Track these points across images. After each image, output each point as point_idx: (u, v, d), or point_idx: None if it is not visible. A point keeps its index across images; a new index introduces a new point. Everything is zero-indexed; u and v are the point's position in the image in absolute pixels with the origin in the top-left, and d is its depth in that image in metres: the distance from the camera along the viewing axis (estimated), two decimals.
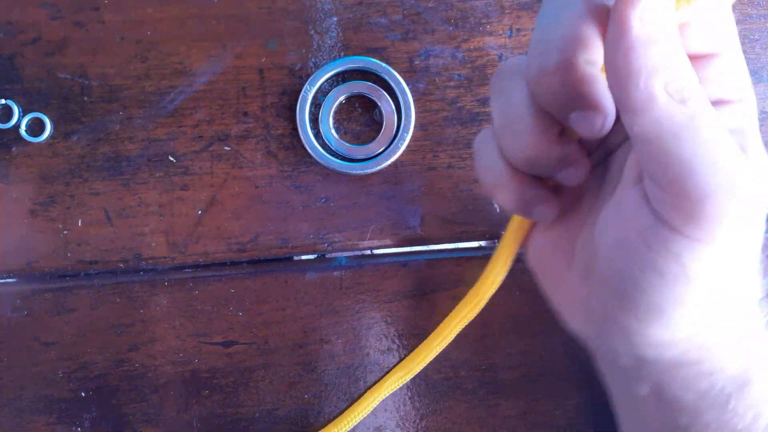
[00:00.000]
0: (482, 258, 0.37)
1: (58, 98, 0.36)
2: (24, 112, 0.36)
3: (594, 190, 0.27)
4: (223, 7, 0.36)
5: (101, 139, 0.36)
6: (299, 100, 0.36)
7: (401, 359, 0.36)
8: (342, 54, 0.36)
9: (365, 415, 0.36)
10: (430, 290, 0.36)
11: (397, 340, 0.36)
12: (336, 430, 0.35)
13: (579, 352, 0.37)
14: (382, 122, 0.36)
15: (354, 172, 0.36)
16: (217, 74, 0.36)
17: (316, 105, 0.36)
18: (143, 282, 0.36)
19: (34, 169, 0.36)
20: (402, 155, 0.36)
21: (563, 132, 0.24)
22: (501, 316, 0.36)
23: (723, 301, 0.23)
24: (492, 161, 0.26)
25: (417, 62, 0.36)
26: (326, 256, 0.37)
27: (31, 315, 0.36)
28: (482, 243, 0.37)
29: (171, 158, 0.36)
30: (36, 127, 0.36)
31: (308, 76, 0.36)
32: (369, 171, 0.36)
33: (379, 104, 0.36)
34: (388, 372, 0.36)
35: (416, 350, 0.35)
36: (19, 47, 0.36)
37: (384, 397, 0.36)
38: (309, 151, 0.36)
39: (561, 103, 0.23)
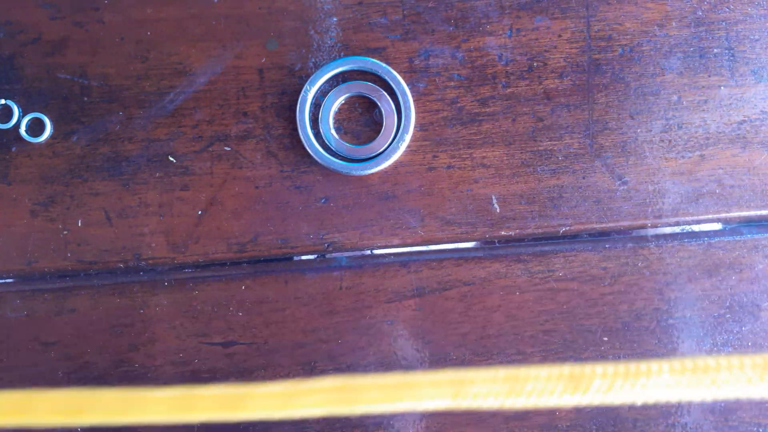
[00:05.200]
0: (482, 258, 0.37)
1: (58, 98, 0.36)
2: (24, 112, 0.36)
3: None
4: (223, 7, 0.36)
5: (101, 139, 0.36)
6: (299, 100, 0.36)
7: (401, 360, 0.36)
8: (342, 54, 0.36)
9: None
10: (430, 290, 0.36)
11: (397, 341, 0.36)
12: None
13: (579, 352, 0.37)
14: (382, 122, 0.36)
15: (354, 172, 0.36)
16: (217, 74, 0.36)
17: (316, 105, 0.36)
18: (143, 282, 0.36)
19: (34, 169, 0.36)
20: (402, 155, 0.36)
21: None
22: (501, 316, 0.36)
23: None
24: None
25: (417, 62, 0.36)
26: (326, 256, 0.37)
27: (31, 315, 0.36)
28: (482, 243, 0.37)
29: (171, 158, 0.36)
30: (36, 127, 0.36)
31: (308, 76, 0.36)
32: (369, 171, 0.36)
33: (379, 104, 0.36)
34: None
35: None
36: (19, 47, 0.36)
37: None
38: (309, 151, 0.36)
39: None
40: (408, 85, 0.36)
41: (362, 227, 0.36)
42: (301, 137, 0.36)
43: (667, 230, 0.37)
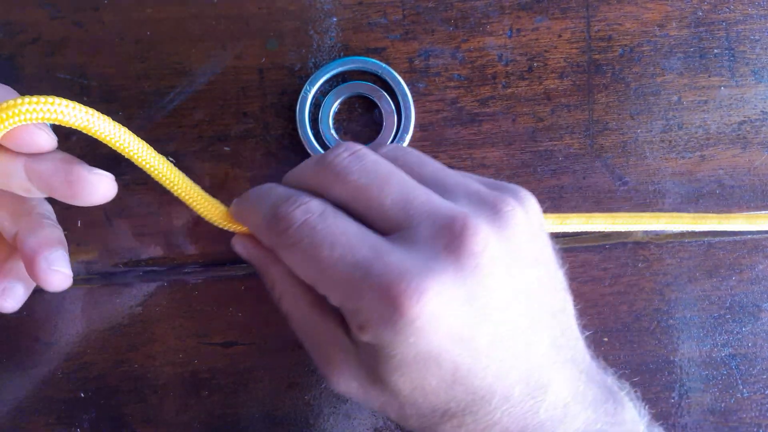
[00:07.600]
0: None
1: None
2: None
3: None
4: (223, 7, 0.36)
5: None
6: (299, 100, 0.36)
7: None
8: (342, 54, 0.36)
9: None
10: None
11: None
12: None
13: None
14: (382, 122, 0.36)
15: None
16: (216, 74, 0.36)
17: (316, 105, 0.36)
18: (143, 282, 0.36)
19: None
20: None
21: None
22: None
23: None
24: None
25: (417, 62, 0.36)
26: None
27: (31, 315, 0.36)
28: None
29: (171, 158, 0.36)
30: None
31: (308, 76, 0.36)
32: None
33: (379, 104, 0.36)
34: None
35: None
36: (19, 47, 0.36)
37: None
38: (309, 151, 0.36)
39: None
40: (408, 85, 0.36)
41: None
42: (301, 137, 0.36)
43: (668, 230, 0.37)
